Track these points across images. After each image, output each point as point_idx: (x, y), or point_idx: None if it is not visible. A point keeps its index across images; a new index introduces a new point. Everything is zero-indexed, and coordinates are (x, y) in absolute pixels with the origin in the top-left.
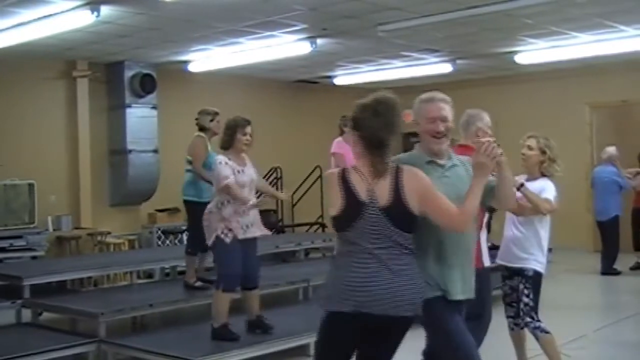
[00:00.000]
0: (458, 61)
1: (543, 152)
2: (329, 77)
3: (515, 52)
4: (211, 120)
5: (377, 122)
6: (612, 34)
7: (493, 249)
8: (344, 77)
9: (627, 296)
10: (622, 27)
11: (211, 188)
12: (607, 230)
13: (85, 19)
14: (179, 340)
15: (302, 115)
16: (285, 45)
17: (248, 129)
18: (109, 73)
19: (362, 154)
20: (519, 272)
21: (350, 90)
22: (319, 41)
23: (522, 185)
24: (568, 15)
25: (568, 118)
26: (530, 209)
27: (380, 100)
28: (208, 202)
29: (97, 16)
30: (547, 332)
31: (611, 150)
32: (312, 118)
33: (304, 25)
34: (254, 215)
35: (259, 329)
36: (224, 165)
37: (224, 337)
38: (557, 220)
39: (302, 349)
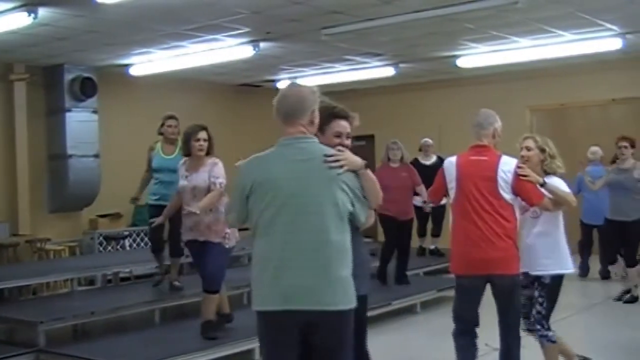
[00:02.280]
0: (401, 65)
1: (542, 151)
2: (272, 80)
3: (457, 56)
4: (161, 125)
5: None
6: (550, 38)
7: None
8: (287, 81)
9: (571, 297)
10: (560, 32)
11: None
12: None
13: (21, 20)
14: (121, 348)
15: (245, 119)
16: (228, 49)
17: (200, 135)
18: (47, 76)
19: None
20: (537, 280)
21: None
22: (262, 45)
23: (544, 182)
24: (508, 20)
25: (509, 121)
26: (556, 204)
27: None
28: (152, 205)
29: (35, 18)
30: (553, 342)
31: (599, 149)
32: (255, 122)
33: (247, 29)
34: (197, 219)
35: (205, 333)
36: (179, 168)
37: (205, 333)
38: None
39: (248, 354)
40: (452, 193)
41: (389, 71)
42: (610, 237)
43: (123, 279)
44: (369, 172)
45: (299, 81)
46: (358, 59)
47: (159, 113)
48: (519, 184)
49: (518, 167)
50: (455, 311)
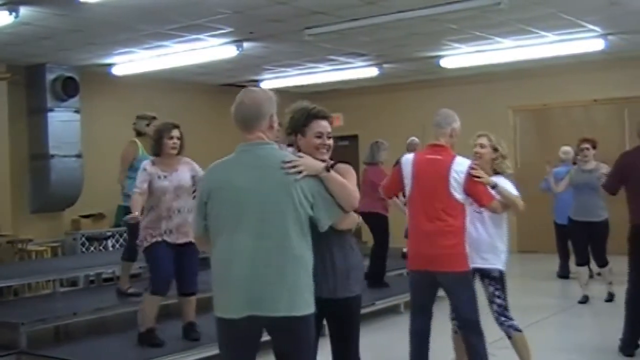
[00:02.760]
0: (384, 65)
1: (495, 150)
2: (256, 80)
3: (441, 57)
4: (147, 125)
5: None
6: (533, 39)
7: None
8: (270, 81)
9: (548, 298)
10: (543, 33)
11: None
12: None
13: (3, 19)
14: (104, 350)
15: (228, 120)
16: (211, 49)
17: (174, 132)
18: (29, 76)
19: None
20: (485, 274)
21: (277, 94)
22: (246, 45)
23: (496, 185)
24: (491, 21)
25: (492, 121)
26: (504, 206)
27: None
28: None
29: (16, 17)
30: (520, 331)
31: (571, 149)
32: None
33: (230, 29)
34: (181, 221)
35: (187, 336)
36: (141, 171)
37: (149, 342)
38: None
39: None
40: (407, 190)
41: (372, 71)
42: (578, 238)
43: (106, 280)
44: (332, 174)
45: (283, 81)
46: (342, 59)
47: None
48: (471, 185)
49: (471, 168)
50: (411, 307)
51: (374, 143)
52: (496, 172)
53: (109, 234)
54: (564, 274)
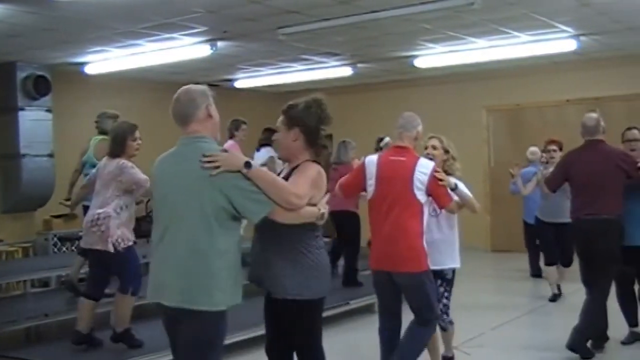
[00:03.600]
0: (358, 65)
1: (446, 151)
2: (230, 80)
3: (415, 56)
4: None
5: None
6: (506, 39)
7: None
8: (244, 80)
9: (521, 297)
10: (516, 33)
11: None
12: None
13: None
14: (76, 351)
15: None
16: (185, 48)
17: (137, 134)
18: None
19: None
20: (438, 274)
21: (251, 93)
22: (220, 44)
23: (456, 187)
24: (465, 21)
25: (466, 121)
26: (460, 207)
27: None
28: None
29: None
30: (452, 323)
31: (538, 150)
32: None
33: (204, 28)
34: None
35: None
36: (137, 169)
37: (127, 342)
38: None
39: None
40: (370, 190)
41: (346, 71)
42: (546, 238)
43: (79, 280)
44: (255, 171)
45: (256, 81)
46: (315, 58)
47: (117, 112)
48: (434, 187)
49: (435, 170)
50: (378, 306)
51: (341, 143)
52: (447, 173)
53: (81, 234)
54: (535, 272)
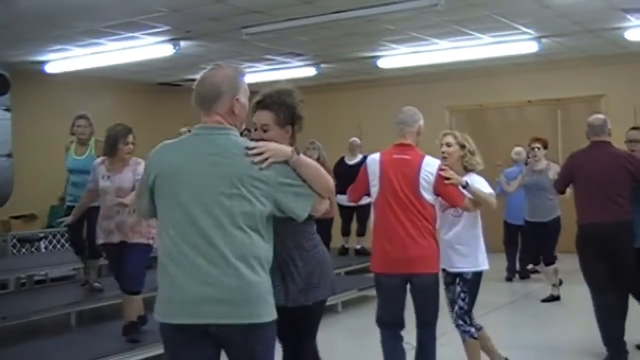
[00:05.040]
0: (322, 65)
1: (462, 147)
2: (193, 80)
3: (378, 57)
4: (72, 125)
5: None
6: (469, 41)
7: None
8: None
9: (491, 296)
10: (478, 35)
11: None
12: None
13: None
14: (36, 354)
15: (164, 119)
16: (147, 47)
17: (129, 138)
18: None
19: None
20: (459, 275)
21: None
22: (182, 43)
23: (467, 184)
24: (428, 22)
25: (428, 122)
26: (476, 204)
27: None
28: (70, 207)
29: None
30: (475, 338)
31: (523, 150)
32: (175, 121)
33: (167, 27)
34: (121, 221)
35: (126, 334)
36: (94, 168)
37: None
38: None
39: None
40: (374, 190)
41: (310, 71)
42: (530, 237)
43: (38, 282)
44: (302, 157)
45: None
46: (279, 58)
47: (76, 112)
48: (441, 186)
49: (441, 169)
50: (378, 313)
51: (309, 143)
52: (467, 170)
53: (41, 235)
54: (511, 276)
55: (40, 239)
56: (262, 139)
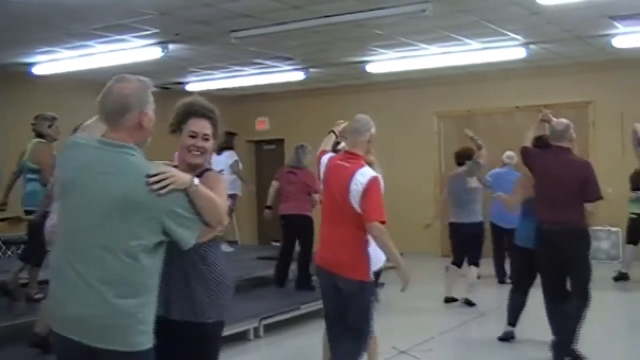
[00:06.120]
0: (311, 69)
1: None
2: (181, 83)
3: (367, 62)
4: (49, 126)
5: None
6: (458, 46)
7: None
8: (196, 84)
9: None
10: (467, 41)
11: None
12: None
13: None
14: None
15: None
16: (136, 50)
17: None
18: None
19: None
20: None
21: (203, 96)
22: (171, 46)
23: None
24: (417, 27)
25: (417, 127)
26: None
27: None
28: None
29: None
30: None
31: (514, 154)
32: (162, 125)
33: (156, 30)
34: None
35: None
36: None
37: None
38: (406, 226)
39: None
40: (321, 188)
41: (298, 75)
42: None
43: (24, 285)
44: (200, 188)
45: (208, 84)
46: (268, 62)
47: (65, 114)
48: (365, 198)
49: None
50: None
51: (299, 147)
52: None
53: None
54: (503, 279)
55: (26, 241)
56: (203, 148)
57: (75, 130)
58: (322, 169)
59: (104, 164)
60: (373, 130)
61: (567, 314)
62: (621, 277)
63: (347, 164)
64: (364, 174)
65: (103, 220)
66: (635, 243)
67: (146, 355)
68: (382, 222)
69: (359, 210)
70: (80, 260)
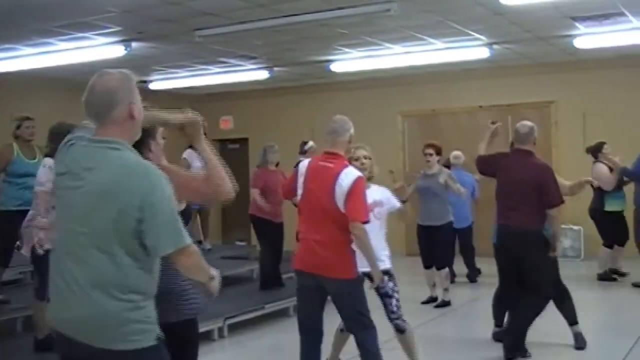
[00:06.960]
0: (275, 68)
1: (371, 159)
2: (145, 81)
3: (331, 61)
4: (18, 127)
5: None
6: (422, 46)
7: None
8: (160, 82)
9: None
10: (432, 40)
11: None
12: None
13: None
14: None
15: None
16: (98, 48)
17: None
18: None
19: None
20: (385, 272)
21: (167, 95)
22: (134, 44)
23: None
24: (381, 27)
25: (382, 126)
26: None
27: None
28: (15, 211)
29: None
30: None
31: (461, 154)
32: None
33: (118, 28)
34: None
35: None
36: (46, 169)
37: (50, 348)
38: None
39: None
40: (299, 193)
41: (263, 74)
42: (424, 242)
43: None
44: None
45: (173, 83)
46: (232, 61)
47: (26, 111)
48: (351, 198)
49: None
50: (297, 315)
51: (267, 146)
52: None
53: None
54: (475, 278)
55: None
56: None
57: (71, 130)
58: (302, 173)
59: (86, 160)
60: (352, 130)
61: (517, 310)
62: (605, 277)
63: (330, 164)
64: (349, 174)
65: (89, 220)
66: (611, 247)
67: (148, 352)
68: (365, 222)
69: (342, 210)
70: (74, 260)
